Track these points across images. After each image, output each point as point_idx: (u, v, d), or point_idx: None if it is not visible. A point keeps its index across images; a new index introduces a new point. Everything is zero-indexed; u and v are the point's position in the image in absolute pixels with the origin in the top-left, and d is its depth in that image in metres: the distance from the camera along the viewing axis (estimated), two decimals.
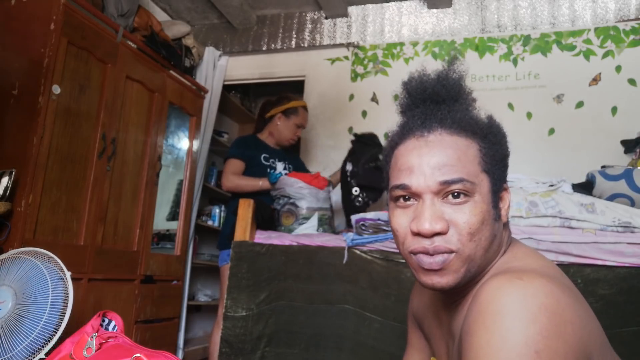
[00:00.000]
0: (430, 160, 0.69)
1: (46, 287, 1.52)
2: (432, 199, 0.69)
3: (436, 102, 0.75)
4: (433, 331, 0.85)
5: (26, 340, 1.42)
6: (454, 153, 0.69)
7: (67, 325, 1.51)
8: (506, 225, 0.76)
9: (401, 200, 0.72)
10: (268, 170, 2.42)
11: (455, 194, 0.68)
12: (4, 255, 1.60)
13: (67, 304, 1.51)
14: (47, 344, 1.42)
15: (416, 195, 0.70)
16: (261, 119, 2.65)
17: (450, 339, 0.76)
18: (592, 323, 0.62)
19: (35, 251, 1.62)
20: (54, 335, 1.44)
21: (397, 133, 0.77)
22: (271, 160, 2.52)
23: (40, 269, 1.54)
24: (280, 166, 2.53)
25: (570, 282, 0.68)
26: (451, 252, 0.68)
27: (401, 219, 0.72)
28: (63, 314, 1.49)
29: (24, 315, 1.47)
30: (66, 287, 1.54)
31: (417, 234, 0.68)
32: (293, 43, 3.47)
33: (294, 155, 2.77)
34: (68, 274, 1.57)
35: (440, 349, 0.82)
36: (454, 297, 0.76)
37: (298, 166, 2.65)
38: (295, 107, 2.57)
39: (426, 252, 0.68)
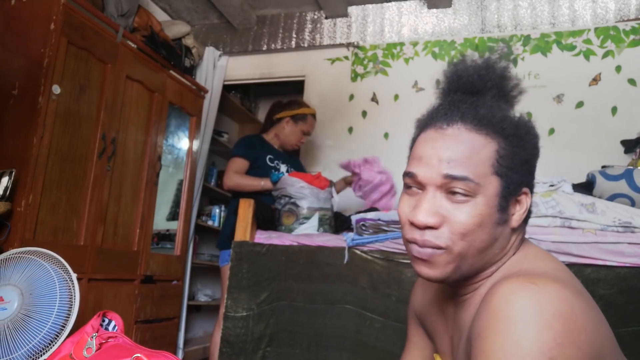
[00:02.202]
0: (442, 153, 0.68)
1: (53, 289, 1.52)
2: (434, 192, 0.69)
3: (469, 92, 0.74)
4: (437, 327, 0.85)
5: (33, 341, 1.42)
6: (466, 150, 0.68)
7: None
8: (520, 228, 0.74)
9: (410, 188, 0.73)
10: (272, 171, 2.42)
11: (458, 192, 0.67)
12: (7, 254, 1.59)
13: (71, 305, 1.51)
14: (50, 345, 1.42)
15: (421, 186, 0.70)
16: (269, 120, 2.64)
17: (456, 332, 0.76)
18: (604, 328, 0.62)
19: (40, 251, 1.62)
20: (57, 337, 1.44)
21: (423, 120, 0.77)
22: (276, 161, 2.52)
23: (47, 270, 1.55)
24: (283, 168, 2.53)
25: (581, 285, 0.67)
26: (439, 248, 0.68)
27: (405, 205, 0.73)
28: (67, 316, 1.49)
29: (30, 316, 1.47)
30: (70, 289, 1.54)
31: (412, 224, 0.69)
32: (293, 43, 3.47)
33: (295, 159, 2.77)
34: (74, 275, 1.57)
35: (444, 344, 0.82)
36: (460, 290, 0.76)
37: (299, 170, 2.65)
38: (304, 114, 2.57)
39: (415, 243, 0.69)
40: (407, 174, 0.72)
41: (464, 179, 0.66)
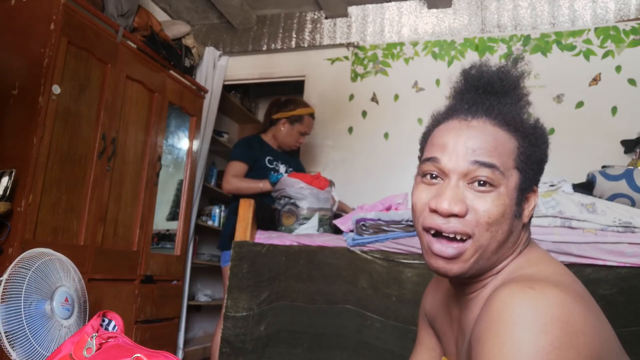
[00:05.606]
0: (468, 141, 0.69)
1: (85, 297, 1.62)
2: (457, 181, 0.69)
3: (489, 92, 0.75)
4: (444, 329, 0.85)
5: None
6: (493, 141, 0.69)
7: None
8: (526, 226, 0.76)
9: (428, 177, 0.72)
10: (270, 172, 2.41)
11: (481, 182, 0.67)
12: (44, 250, 1.60)
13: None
14: None
15: (443, 174, 0.70)
16: (267, 119, 2.62)
17: (460, 335, 0.77)
18: (605, 331, 0.62)
19: (61, 257, 1.66)
20: None
21: (441, 113, 0.77)
22: (275, 162, 2.51)
23: (79, 278, 1.63)
24: (282, 169, 2.52)
25: (582, 288, 0.67)
26: (467, 235, 0.67)
27: (423, 194, 0.72)
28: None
29: (78, 324, 1.50)
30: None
31: (434, 211, 0.68)
32: (293, 43, 3.47)
33: (295, 158, 2.76)
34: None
35: (450, 346, 0.82)
36: (467, 290, 0.76)
37: (298, 169, 2.64)
38: (300, 115, 2.54)
39: (439, 229, 0.68)
40: (429, 159, 0.71)
41: (492, 167, 0.67)
